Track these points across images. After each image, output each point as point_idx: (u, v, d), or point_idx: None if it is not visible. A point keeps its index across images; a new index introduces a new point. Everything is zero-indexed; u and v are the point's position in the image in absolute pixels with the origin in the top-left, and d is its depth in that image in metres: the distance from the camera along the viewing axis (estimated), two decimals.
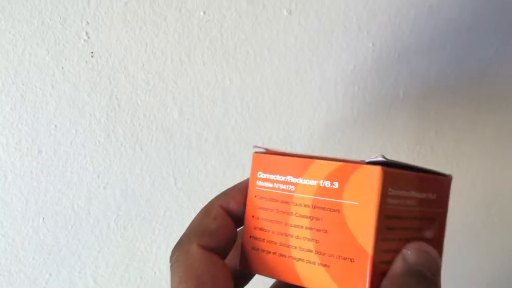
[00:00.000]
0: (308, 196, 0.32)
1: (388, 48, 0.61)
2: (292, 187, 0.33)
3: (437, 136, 0.69)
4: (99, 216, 0.54)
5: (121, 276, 0.57)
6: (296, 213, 0.33)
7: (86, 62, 0.49)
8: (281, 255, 0.33)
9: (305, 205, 0.32)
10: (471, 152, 0.73)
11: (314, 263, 0.31)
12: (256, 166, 0.35)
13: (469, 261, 0.79)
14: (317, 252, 0.31)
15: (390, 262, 0.31)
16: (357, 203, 0.30)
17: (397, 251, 0.31)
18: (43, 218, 0.52)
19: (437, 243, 0.35)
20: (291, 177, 0.33)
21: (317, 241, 0.32)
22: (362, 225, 0.30)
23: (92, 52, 0.49)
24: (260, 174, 0.35)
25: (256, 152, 0.35)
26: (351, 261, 0.30)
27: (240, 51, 0.54)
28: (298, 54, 0.57)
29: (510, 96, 0.72)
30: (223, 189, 0.58)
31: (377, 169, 0.30)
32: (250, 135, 0.58)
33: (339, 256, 0.31)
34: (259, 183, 0.35)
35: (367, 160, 0.31)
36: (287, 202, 0.33)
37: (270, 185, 0.34)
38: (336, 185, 0.31)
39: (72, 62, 0.48)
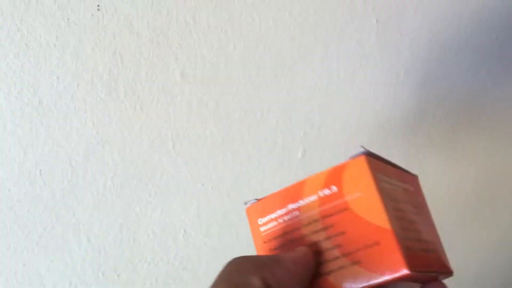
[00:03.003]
0: (314, 211, 0.34)
1: (392, 26, 0.61)
2: (297, 212, 0.34)
3: (434, 121, 0.70)
4: (96, 174, 0.54)
5: (114, 236, 0.58)
6: (310, 231, 0.34)
7: (92, 15, 0.49)
8: (314, 278, 0.33)
9: (315, 221, 0.33)
10: (466, 141, 0.74)
11: (346, 266, 0.32)
12: (253, 216, 0.36)
13: (458, 251, 0.79)
14: (344, 255, 0.32)
15: (409, 239, 0.32)
16: (359, 194, 0.32)
17: (411, 230, 0.33)
18: (40, 171, 0.52)
19: (433, 228, 0.37)
20: (291, 204, 0.35)
21: (339, 246, 0.32)
22: (372, 208, 0.32)
23: (98, 5, 0.49)
24: (260, 221, 0.36)
25: (249, 206, 0.37)
26: (378, 244, 0.31)
27: (246, 17, 0.55)
28: (302, 24, 0.57)
29: (508, 89, 0.72)
30: (221, 156, 0.59)
31: (362, 158, 0.33)
32: (250, 103, 0.58)
33: (365, 246, 0.31)
34: (263, 228, 0.36)
35: (350, 156, 0.33)
36: (298, 228, 0.34)
37: (275, 223, 0.35)
38: (334, 188, 0.33)
39: (78, 14, 0.49)
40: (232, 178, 0.60)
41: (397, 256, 0.30)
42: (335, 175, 0.33)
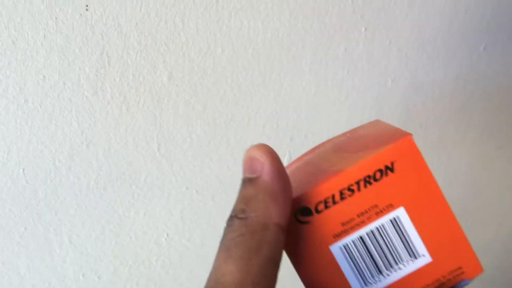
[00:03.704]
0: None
1: (381, 35, 0.62)
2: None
3: (421, 130, 0.70)
4: (79, 174, 0.54)
5: (96, 238, 0.57)
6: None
7: (81, 15, 0.49)
8: None
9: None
10: (452, 150, 0.74)
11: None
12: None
13: None
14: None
15: None
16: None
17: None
18: (23, 170, 0.52)
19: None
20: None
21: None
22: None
23: (87, 5, 0.49)
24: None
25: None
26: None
27: (235, 21, 0.54)
28: (291, 30, 0.57)
29: (495, 97, 0.73)
30: (206, 160, 0.58)
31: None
32: (237, 108, 0.58)
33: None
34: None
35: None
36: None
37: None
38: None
39: (67, 13, 0.48)
40: (217, 183, 0.60)
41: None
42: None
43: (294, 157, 0.62)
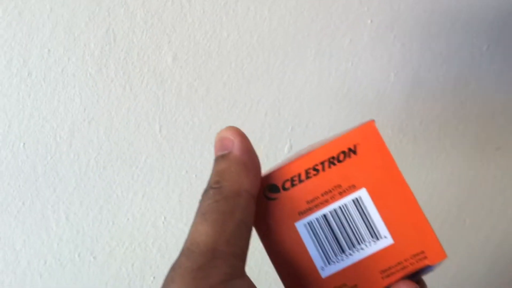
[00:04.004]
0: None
1: (386, 28, 0.62)
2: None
3: (421, 126, 0.70)
4: (80, 151, 0.54)
5: (93, 217, 0.57)
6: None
7: None
8: None
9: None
10: (451, 149, 0.74)
11: None
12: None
13: None
14: None
15: None
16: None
17: None
18: (24, 144, 0.52)
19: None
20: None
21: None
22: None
23: None
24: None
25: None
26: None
27: (241, 6, 0.55)
28: (297, 18, 0.57)
29: (495, 98, 0.73)
30: (207, 145, 0.58)
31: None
32: (240, 94, 0.58)
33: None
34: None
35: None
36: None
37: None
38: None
39: None
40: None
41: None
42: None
43: (295, 147, 0.62)
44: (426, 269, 0.33)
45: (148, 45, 0.53)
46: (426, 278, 0.36)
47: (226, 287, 0.28)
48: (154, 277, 0.62)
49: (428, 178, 0.74)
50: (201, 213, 0.30)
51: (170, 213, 0.60)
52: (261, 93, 0.59)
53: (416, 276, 0.33)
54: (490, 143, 0.76)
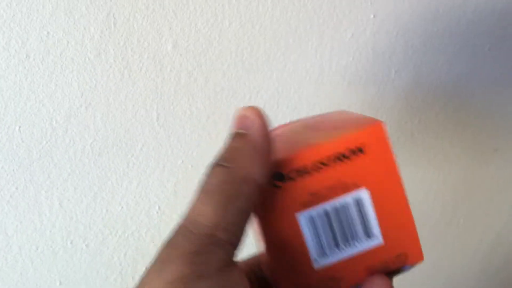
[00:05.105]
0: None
1: (389, 24, 0.61)
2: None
3: (420, 125, 0.70)
4: (75, 137, 0.53)
5: (87, 205, 0.56)
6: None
7: None
8: None
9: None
10: (449, 149, 0.74)
11: None
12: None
13: (428, 257, 0.79)
14: None
15: None
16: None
17: None
18: (19, 127, 0.51)
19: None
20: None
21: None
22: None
23: None
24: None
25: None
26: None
27: None
28: (300, 10, 0.57)
29: (495, 99, 0.73)
30: (204, 135, 0.58)
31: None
32: (239, 84, 0.57)
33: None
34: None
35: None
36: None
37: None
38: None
39: None
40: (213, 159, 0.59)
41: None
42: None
43: None
44: (403, 268, 0.34)
45: (148, 31, 0.52)
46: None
47: (223, 274, 0.28)
48: (146, 267, 0.61)
49: (424, 176, 0.73)
50: (205, 191, 0.29)
51: (164, 203, 0.59)
52: (260, 84, 0.58)
53: (392, 274, 0.35)
54: (488, 144, 0.75)
